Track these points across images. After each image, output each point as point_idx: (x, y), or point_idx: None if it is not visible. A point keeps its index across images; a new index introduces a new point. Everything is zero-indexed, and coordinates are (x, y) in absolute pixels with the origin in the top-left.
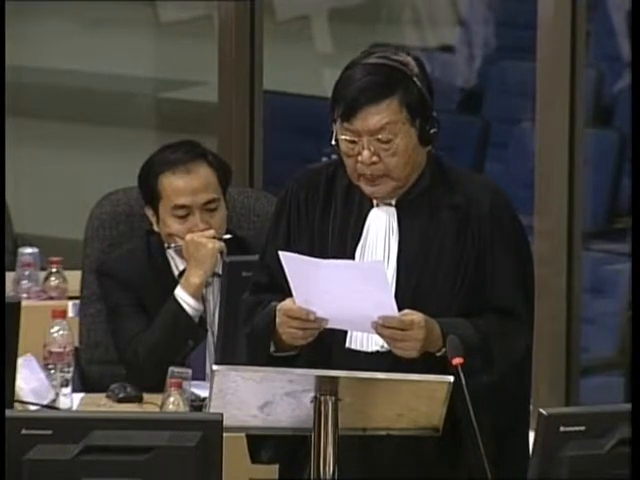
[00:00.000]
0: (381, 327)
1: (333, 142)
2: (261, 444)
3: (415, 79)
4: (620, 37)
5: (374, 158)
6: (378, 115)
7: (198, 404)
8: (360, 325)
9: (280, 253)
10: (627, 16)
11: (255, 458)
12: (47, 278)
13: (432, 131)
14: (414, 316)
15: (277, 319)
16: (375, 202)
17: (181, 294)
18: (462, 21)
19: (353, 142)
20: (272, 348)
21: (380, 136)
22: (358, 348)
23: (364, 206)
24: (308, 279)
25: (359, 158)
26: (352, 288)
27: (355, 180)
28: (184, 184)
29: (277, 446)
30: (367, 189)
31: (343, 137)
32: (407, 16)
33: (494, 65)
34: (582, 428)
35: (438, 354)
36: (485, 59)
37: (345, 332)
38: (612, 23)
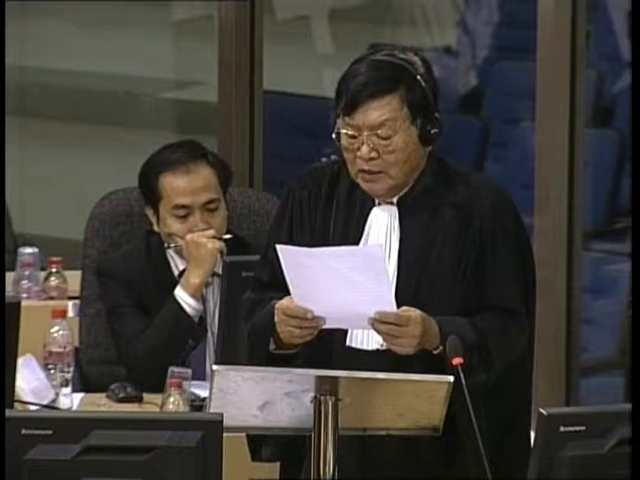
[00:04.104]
0: (377, 322)
1: (334, 135)
2: (261, 442)
3: (419, 78)
4: (620, 37)
5: (372, 154)
6: (378, 110)
7: (198, 404)
8: (358, 322)
9: (277, 246)
10: (627, 16)
11: (255, 456)
12: (47, 278)
13: (433, 132)
14: (411, 312)
15: (275, 317)
16: (377, 201)
17: (181, 294)
18: (462, 21)
19: (353, 137)
20: (272, 346)
21: (380, 132)
22: (358, 346)
23: (366, 205)
24: (305, 272)
25: (358, 153)
26: (350, 279)
27: (355, 176)
28: (184, 184)
29: (278, 444)
30: (364, 185)
31: (344, 131)
32: (407, 16)
33: (494, 65)
34: (582, 428)
35: (435, 352)
36: (485, 59)
37: (345, 330)
38: (612, 23)
